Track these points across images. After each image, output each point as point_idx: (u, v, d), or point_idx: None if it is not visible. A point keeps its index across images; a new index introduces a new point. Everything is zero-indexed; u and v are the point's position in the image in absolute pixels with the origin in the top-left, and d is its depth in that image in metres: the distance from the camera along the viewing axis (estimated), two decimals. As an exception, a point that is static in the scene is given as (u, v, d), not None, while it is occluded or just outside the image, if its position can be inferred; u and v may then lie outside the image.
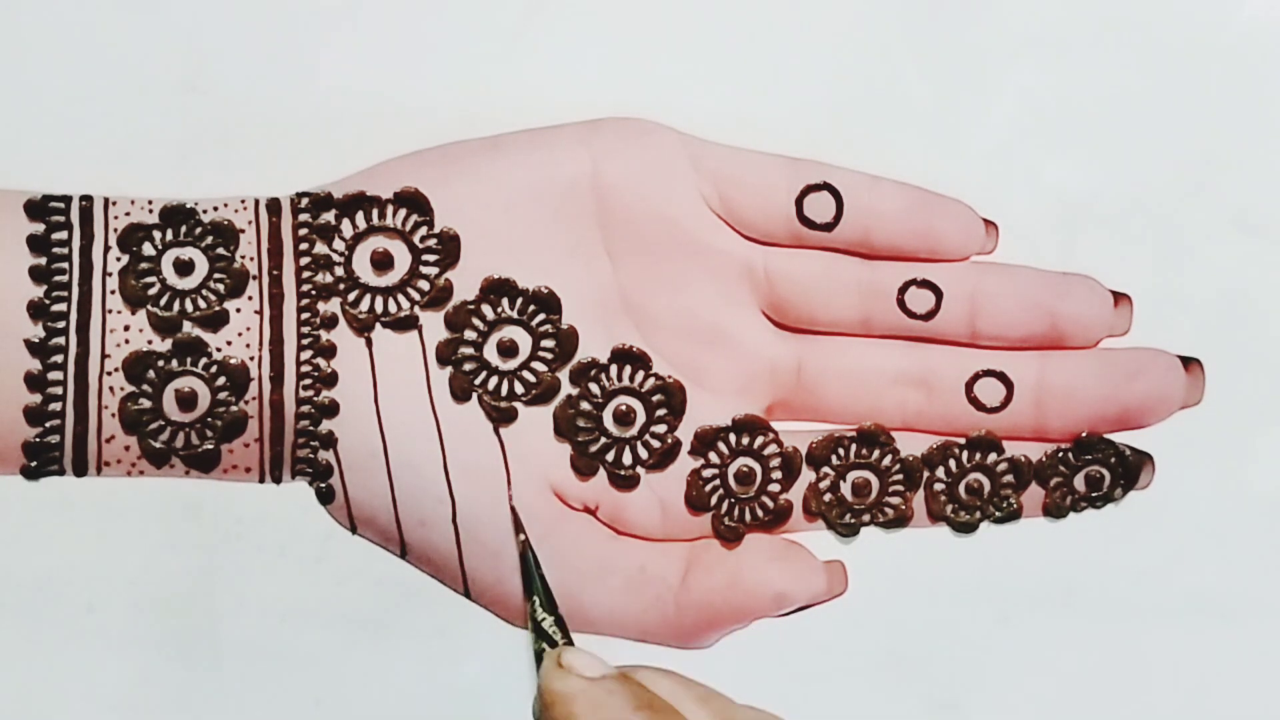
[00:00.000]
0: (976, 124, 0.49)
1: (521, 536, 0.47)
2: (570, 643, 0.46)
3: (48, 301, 0.46)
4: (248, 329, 0.46)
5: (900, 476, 0.49)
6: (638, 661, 0.48)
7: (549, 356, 0.48)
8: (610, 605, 0.48)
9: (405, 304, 0.47)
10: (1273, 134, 0.49)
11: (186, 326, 0.46)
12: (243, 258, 0.47)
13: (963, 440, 0.49)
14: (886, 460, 0.49)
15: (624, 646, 0.48)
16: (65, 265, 0.46)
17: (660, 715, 0.42)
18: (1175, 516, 0.49)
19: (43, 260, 0.46)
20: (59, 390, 0.45)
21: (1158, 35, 0.49)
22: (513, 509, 0.47)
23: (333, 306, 0.47)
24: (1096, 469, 0.49)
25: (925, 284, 0.49)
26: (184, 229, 0.47)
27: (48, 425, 0.46)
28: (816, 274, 0.49)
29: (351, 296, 0.47)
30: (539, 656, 0.45)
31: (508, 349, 0.48)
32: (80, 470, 0.46)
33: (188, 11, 0.48)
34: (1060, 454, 0.49)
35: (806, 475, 0.49)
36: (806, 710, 0.49)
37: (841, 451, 0.49)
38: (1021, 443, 0.49)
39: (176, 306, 0.46)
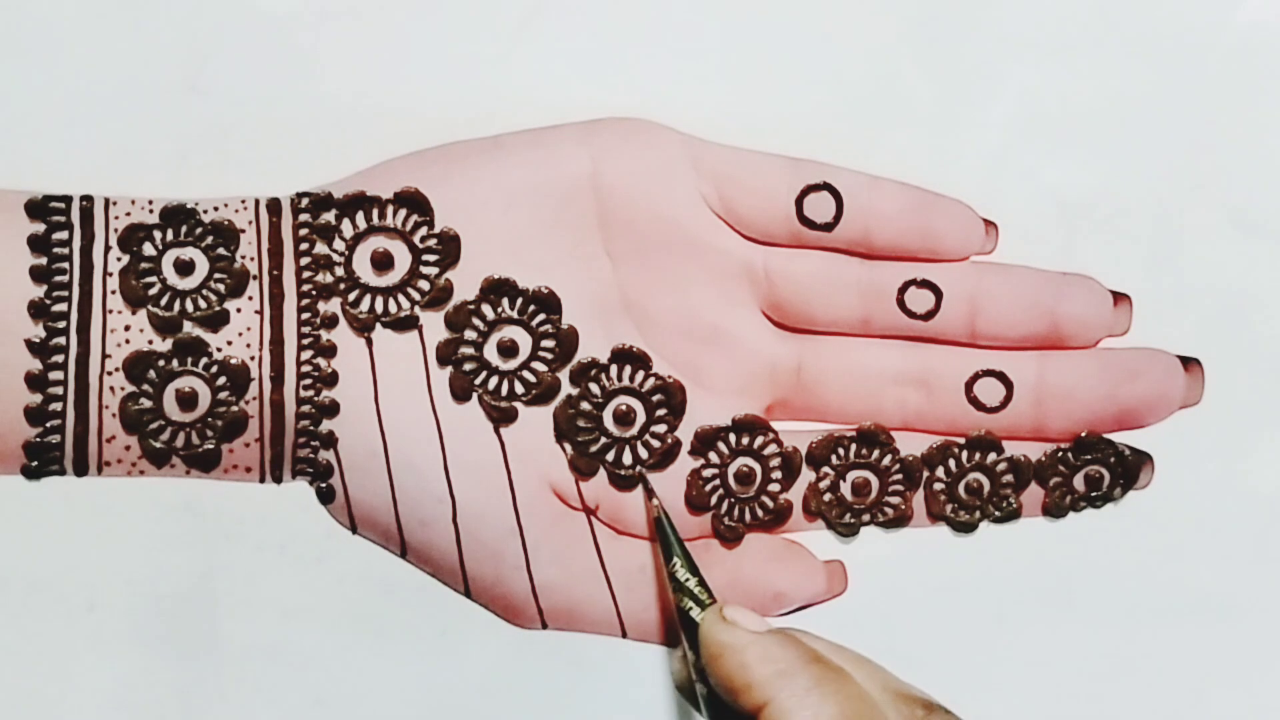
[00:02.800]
0: (976, 124, 0.49)
1: (655, 501, 0.47)
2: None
3: (48, 301, 0.46)
4: (248, 329, 0.46)
5: (900, 476, 0.49)
6: (633, 659, 0.48)
7: (549, 356, 0.48)
8: (609, 605, 0.48)
9: (405, 304, 0.47)
10: (1272, 134, 0.49)
11: (187, 326, 0.46)
12: (243, 258, 0.47)
13: (962, 440, 0.49)
14: (886, 460, 0.49)
15: (624, 646, 0.48)
16: (66, 265, 0.46)
17: (829, 668, 0.43)
18: (1175, 516, 0.50)
19: (43, 260, 0.46)
20: (59, 390, 0.45)
21: (1157, 36, 0.49)
22: (642, 475, 0.48)
23: (333, 306, 0.47)
24: (1096, 469, 0.49)
25: (925, 284, 0.49)
26: (184, 229, 0.47)
27: (48, 425, 0.46)
28: (816, 274, 0.49)
29: (352, 296, 0.47)
30: (685, 615, 0.45)
31: (508, 349, 0.48)
32: (81, 470, 0.46)
33: (188, 11, 0.48)
34: (1060, 454, 0.49)
35: (806, 475, 0.49)
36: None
37: (841, 451, 0.49)
38: (1021, 443, 0.49)
39: (177, 306, 0.46)
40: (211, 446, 0.47)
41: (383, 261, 0.47)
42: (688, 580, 0.46)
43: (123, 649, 0.47)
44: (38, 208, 0.46)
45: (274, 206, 0.47)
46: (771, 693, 0.42)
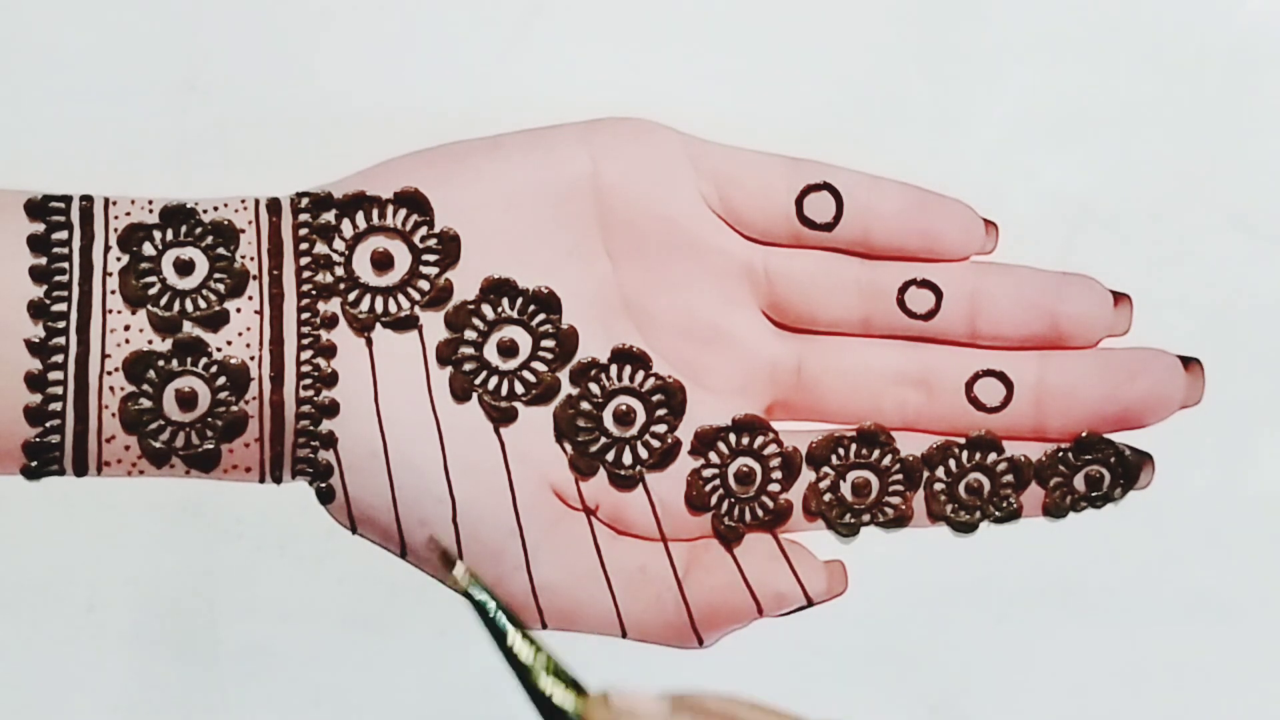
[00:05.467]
0: (976, 124, 0.49)
1: (462, 569, 0.42)
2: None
3: (48, 301, 0.46)
4: (248, 329, 0.46)
5: (900, 476, 0.49)
6: (636, 662, 0.48)
7: (549, 356, 0.48)
8: (609, 605, 0.48)
9: (405, 304, 0.47)
10: (1272, 134, 0.49)
11: (187, 326, 0.46)
12: (243, 258, 0.47)
13: (963, 440, 0.49)
14: (886, 460, 0.49)
15: (623, 646, 0.48)
16: (65, 265, 0.46)
17: None
18: (1175, 516, 0.50)
19: (43, 260, 0.46)
20: (59, 390, 0.45)
21: (1157, 36, 0.49)
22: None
23: (333, 306, 0.47)
24: (1096, 469, 0.49)
25: (925, 284, 0.49)
26: (184, 229, 0.47)
27: (48, 425, 0.46)
28: (816, 274, 0.49)
29: (351, 296, 0.47)
30: (546, 705, 0.39)
31: (508, 349, 0.48)
32: (80, 470, 0.46)
33: (188, 11, 0.48)
34: (1060, 454, 0.49)
35: (806, 475, 0.49)
36: (806, 710, 0.49)
37: (841, 451, 0.49)
38: (1021, 443, 0.49)
39: (177, 306, 0.46)
40: (211, 446, 0.46)
41: (383, 261, 0.47)
42: (535, 657, 0.40)
43: (123, 649, 0.47)
44: (38, 208, 0.46)
45: (274, 206, 0.47)
46: None
